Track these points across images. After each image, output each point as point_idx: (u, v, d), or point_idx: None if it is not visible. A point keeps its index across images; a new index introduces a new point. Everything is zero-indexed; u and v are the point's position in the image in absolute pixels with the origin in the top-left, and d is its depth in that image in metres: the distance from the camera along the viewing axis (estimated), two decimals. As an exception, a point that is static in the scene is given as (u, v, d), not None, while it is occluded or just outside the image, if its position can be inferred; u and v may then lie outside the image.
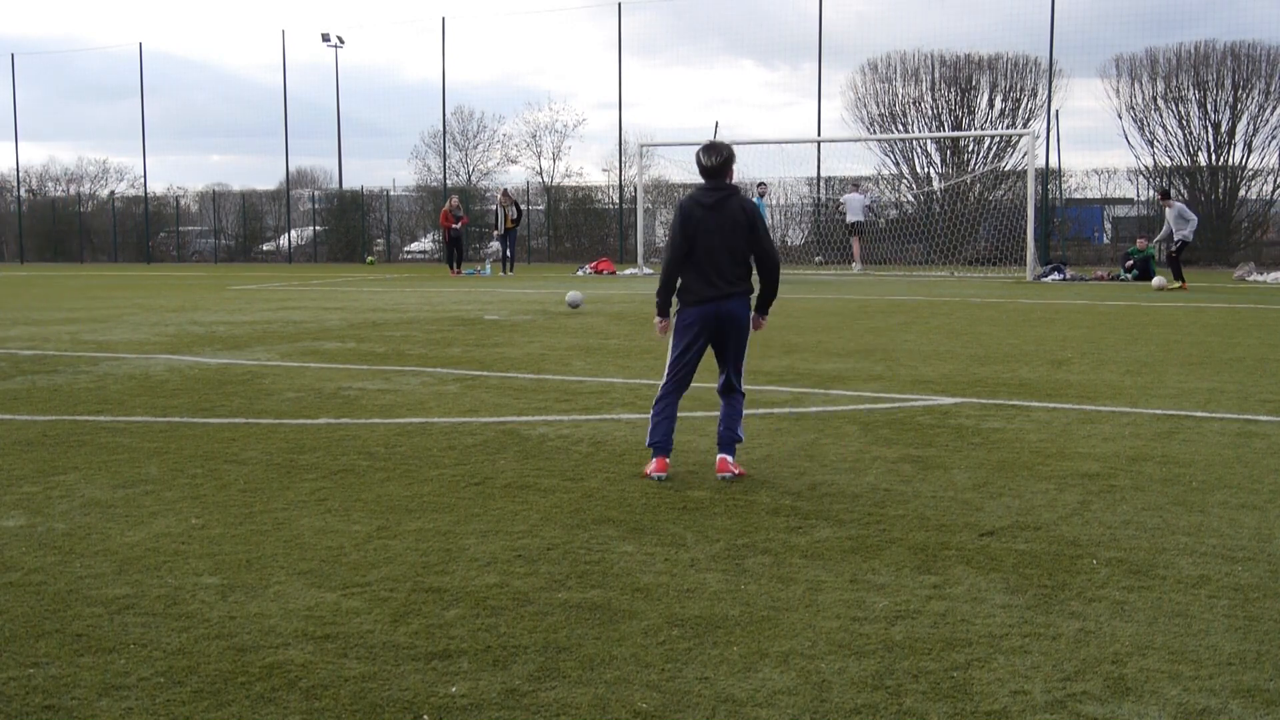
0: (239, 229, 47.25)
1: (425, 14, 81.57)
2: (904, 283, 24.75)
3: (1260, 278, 25.11)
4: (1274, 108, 32.37)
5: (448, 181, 42.62)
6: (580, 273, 30.62)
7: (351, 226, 44.16)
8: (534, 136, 44.67)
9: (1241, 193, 33.16)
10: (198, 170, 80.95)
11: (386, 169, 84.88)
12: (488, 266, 32.15)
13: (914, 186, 36.16)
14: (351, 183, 49.87)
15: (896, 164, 36.30)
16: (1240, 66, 32.54)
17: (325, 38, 43.72)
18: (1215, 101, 32.74)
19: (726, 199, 5.93)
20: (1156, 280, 22.69)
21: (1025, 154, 28.72)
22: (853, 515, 5.29)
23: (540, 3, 58.53)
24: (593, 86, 69.15)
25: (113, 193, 50.39)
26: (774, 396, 8.58)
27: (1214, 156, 32.98)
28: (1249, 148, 32.71)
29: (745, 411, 6.23)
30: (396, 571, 4.51)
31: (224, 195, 48.70)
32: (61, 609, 4.11)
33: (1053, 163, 33.27)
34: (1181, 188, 31.90)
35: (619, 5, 38.27)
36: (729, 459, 6.01)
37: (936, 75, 35.59)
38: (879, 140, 35.60)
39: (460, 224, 31.42)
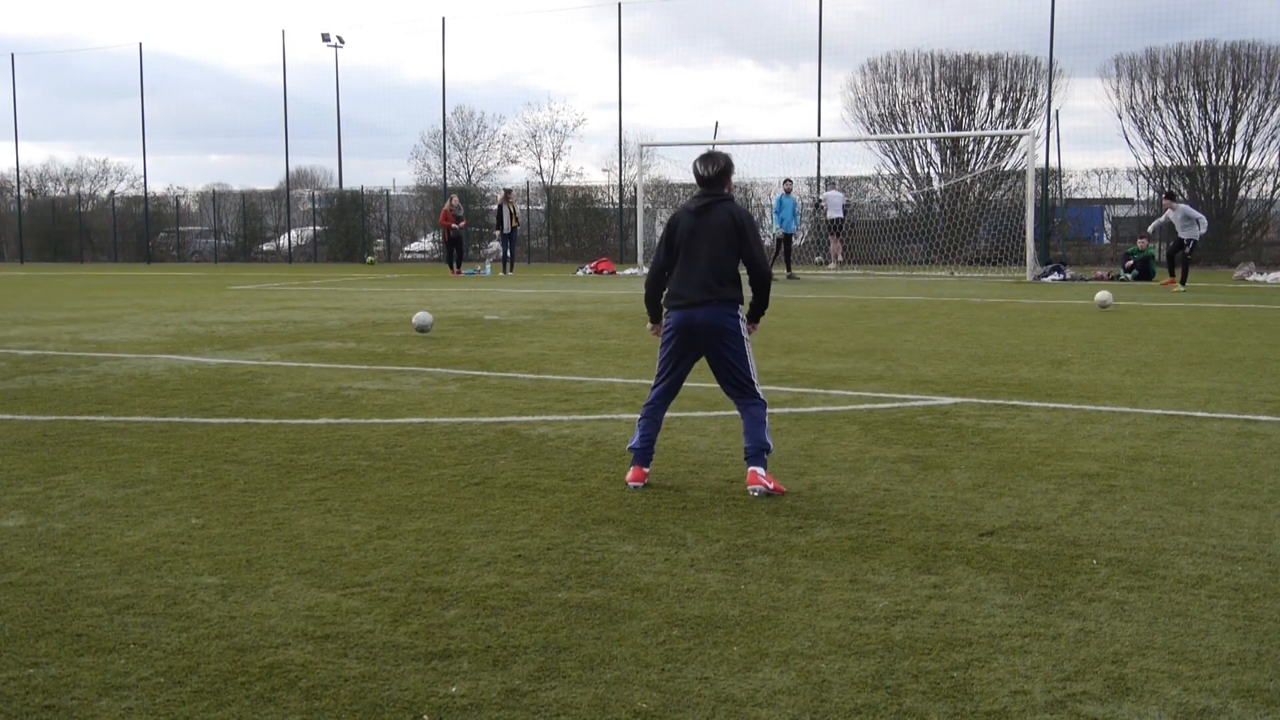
0: (239, 229, 47.27)
1: (425, 14, 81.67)
2: (904, 283, 24.75)
3: (1260, 278, 25.11)
4: (1274, 108, 32.42)
5: (448, 181, 42.63)
6: (580, 273, 30.64)
7: (351, 226, 44.18)
8: (534, 136, 44.76)
9: (1241, 193, 33.19)
10: (198, 170, 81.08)
11: (386, 169, 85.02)
12: (488, 266, 32.17)
13: (914, 186, 36.18)
14: (351, 183, 49.99)
15: (896, 164, 36.35)
16: (1240, 66, 32.56)
17: (325, 38, 43.76)
18: (1215, 101, 32.77)
19: (714, 205, 5.78)
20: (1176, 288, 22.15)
21: (1025, 154, 28.72)
22: (853, 515, 5.29)
23: (540, 3, 58.58)
24: (592, 86, 69.27)
25: (113, 193, 50.42)
26: (774, 396, 8.57)
27: (1214, 156, 33.00)
28: (1249, 148, 32.78)
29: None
30: (396, 571, 4.51)
31: (224, 195, 48.75)
32: (61, 609, 4.11)
33: (1053, 163, 33.32)
34: (1181, 188, 31.89)
35: (619, 5, 38.31)
36: (759, 471, 5.67)
37: (936, 75, 35.63)
38: (879, 140, 35.61)
39: (460, 224, 31.42)
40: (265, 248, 47.01)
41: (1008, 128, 34.27)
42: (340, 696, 3.37)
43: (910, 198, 36.25)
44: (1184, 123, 33.15)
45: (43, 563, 4.65)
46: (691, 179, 6.02)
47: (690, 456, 6.52)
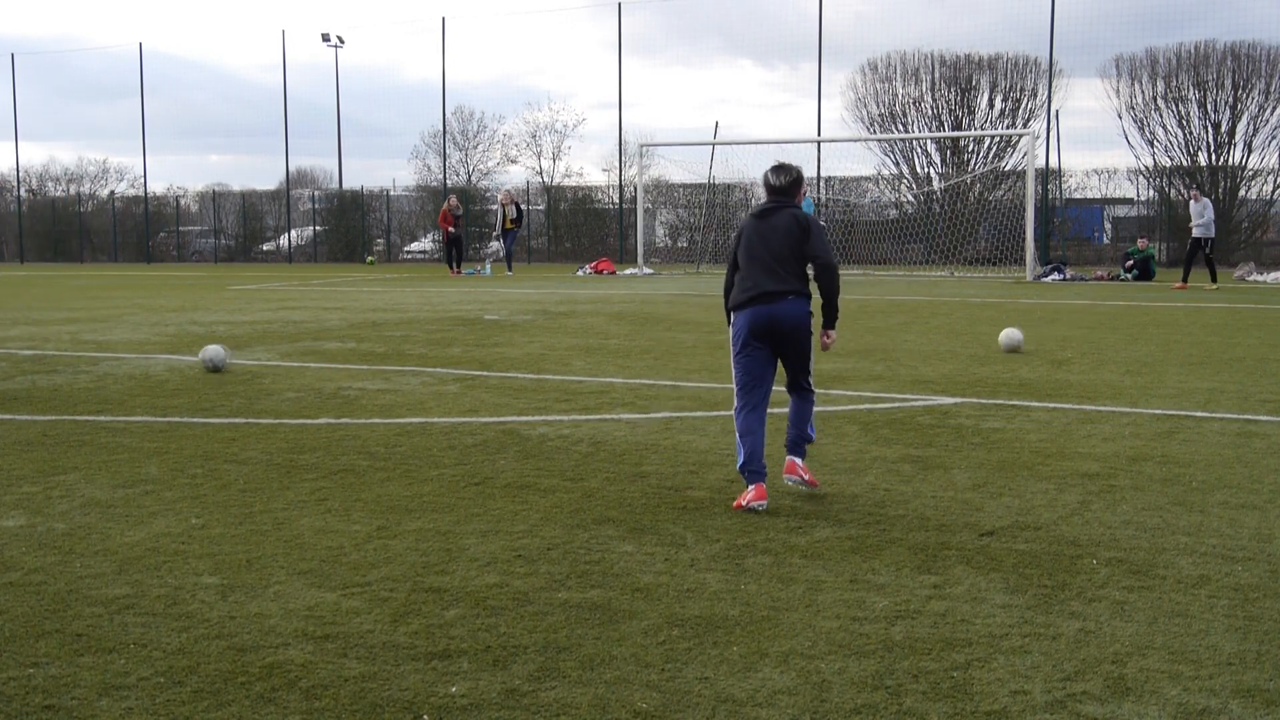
0: (239, 229, 47.24)
1: (425, 14, 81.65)
2: (904, 283, 24.75)
3: (1260, 278, 25.12)
4: (1274, 108, 32.43)
5: (448, 181, 42.63)
6: (580, 273, 30.63)
7: (351, 226, 44.16)
8: (534, 136, 44.72)
9: (1241, 193, 33.20)
10: (198, 170, 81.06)
11: (386, 169, 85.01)
12: (488, 266, 32.15)
13: (914, 186, 36.18)
14: (351, 183, 49.98)
15: (896, 164, 36.35)
16: (1240, 66, 32.57)
17: (325, 38, 43.73)
18: (1215, 101, 32.77)
19: (778, 210, 5.78)
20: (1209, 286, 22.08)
21: (1025, 154, 28.73)
22: (853, 515, 5.29)
23: (540, 3, 58.58)
24: (592, 86, 69.28)
25: (113, 193, 50.40)
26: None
27: (1214, 156, 33.01)
28: (1249, 148, 32.79)
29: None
30: (396, 571, 4.51)
31: (224, 195, 48.73)
32: (61, 609, 4.11)
33: (1053, 163, 33.30)
34: (1182, 188, 31.90)
35: (619, 5, 38.30)
36: (798, 462, 5.68)
37: (936, 75, 35.64)
38: (879, 140, 35.61)
39: (457, 228, 31.39)
40: (265, 248, 46.99)
41: (1008, 128, 34.27)
42: (340, 696, 3.37)
43: (910, 198, 36.25)
44: (1184, 123, 33.17)
45: (43, 563, 4.65)
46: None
47: (690, 456, 6.52)
